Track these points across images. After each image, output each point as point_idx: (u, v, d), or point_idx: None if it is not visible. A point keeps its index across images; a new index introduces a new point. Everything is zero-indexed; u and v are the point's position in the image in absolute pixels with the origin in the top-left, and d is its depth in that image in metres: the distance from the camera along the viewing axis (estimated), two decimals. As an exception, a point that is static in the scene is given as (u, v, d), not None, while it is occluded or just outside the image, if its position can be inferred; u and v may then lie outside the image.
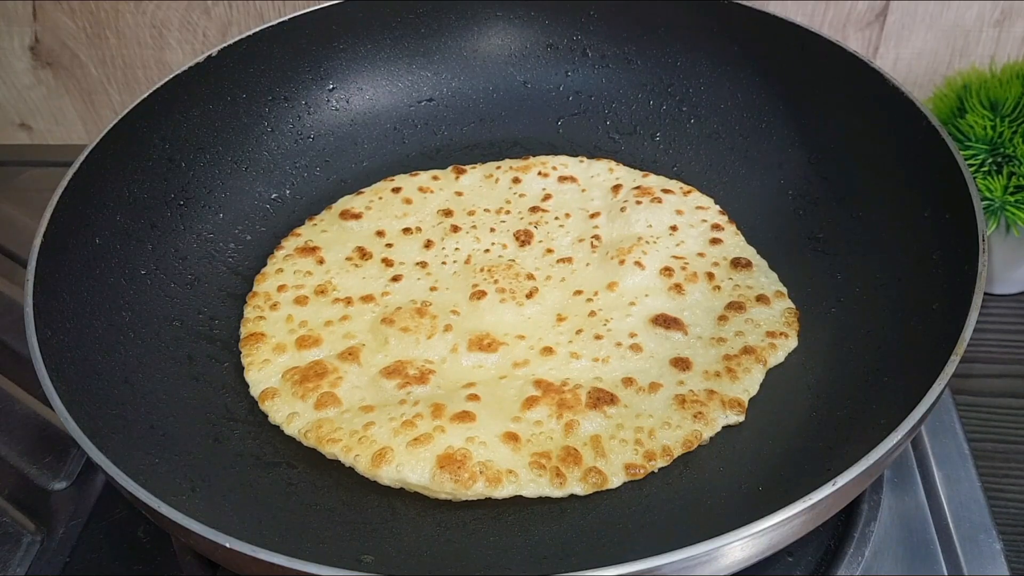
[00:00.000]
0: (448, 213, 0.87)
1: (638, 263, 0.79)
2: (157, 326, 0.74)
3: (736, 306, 0.75)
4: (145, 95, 0.80)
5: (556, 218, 0.86)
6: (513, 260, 0.81)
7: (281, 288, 0.79)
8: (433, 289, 0.79)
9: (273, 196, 0.89)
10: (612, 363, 0.71)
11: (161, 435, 0.66)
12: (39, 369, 0.59)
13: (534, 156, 0.92)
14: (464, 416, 0.66)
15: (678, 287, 0.77)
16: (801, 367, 0.71)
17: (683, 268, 0.79)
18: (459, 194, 0.89)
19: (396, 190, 0.89)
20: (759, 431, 0.67)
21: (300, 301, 0.78)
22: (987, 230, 0.67)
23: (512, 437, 0.65)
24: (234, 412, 0.71)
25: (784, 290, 0.77)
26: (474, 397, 0.68)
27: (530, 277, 0.79)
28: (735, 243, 0.82)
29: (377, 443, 0.65)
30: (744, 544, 0.48)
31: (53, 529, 0.71)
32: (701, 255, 0.81)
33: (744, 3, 0.88)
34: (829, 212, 0.81)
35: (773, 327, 0.73)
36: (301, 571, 0.47)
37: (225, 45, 0.87)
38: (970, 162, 0.84)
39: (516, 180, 0.89)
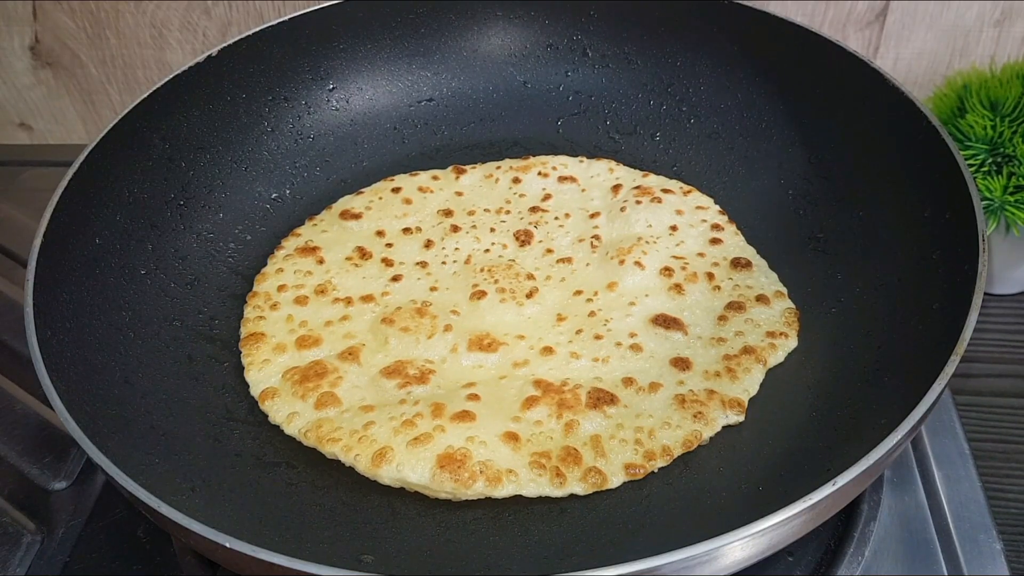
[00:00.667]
0: (448, 213, 0.87)
1: (638, 263, 0.79)
2: (157, 326, 0.74)
3: (736, 306, 0.75)
4: (145, 95, 0.80)
5: (556, 218, 0.86)
6: (513, 260, 0.81)
7: (281, 288, 0.79)
8: (433, 289, 0.79)
9: (273, 196, 0.89)
10: (612, 363, 0.71)
11: (161, 435, 0.66)
12: (39, 369, 0.59)
13: (534, 156, 0.92)
14: (464, 416, 0.66)
15: (678, 287, 0.77)
16: (801, 367, 0.71)
17: (683, 268, 0.79)
18: (459, 194, 0.89)
19: (396, 190, 0.89)
20: (759, 431, 0.67)
21: (300, 301, 0.78)
22: (987, 230, 0.67)
23: (512, 437, 0.65)
24: (234, 412, 0.71)
25: (784, 290, 0.77)
26: (474, 397, 0.68)
27: (530, 277, 0.79)
28: (735, 243, 0.82)
29: (377, 442, 0.65)
30: (744, 544, 0.48)
31: (53, 529, 0.71)
32: (701, 255, 0.81)
33: (744, 3, 0.88)
34: (829, 212, 0.81)
35: (773, 327, 0.73)
36: (301, 571, 0.47)
37: (225, 45, 0.87)
38: (970, 162, 0.84)
39: (516, 180, 0.89)
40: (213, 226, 0.85)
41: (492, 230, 0.85)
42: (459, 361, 0.72)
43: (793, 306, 0.75)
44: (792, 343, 0.73)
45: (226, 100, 0.88)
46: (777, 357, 0.72)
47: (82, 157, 0.74)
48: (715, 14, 0.90)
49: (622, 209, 0.85)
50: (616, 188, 0.88)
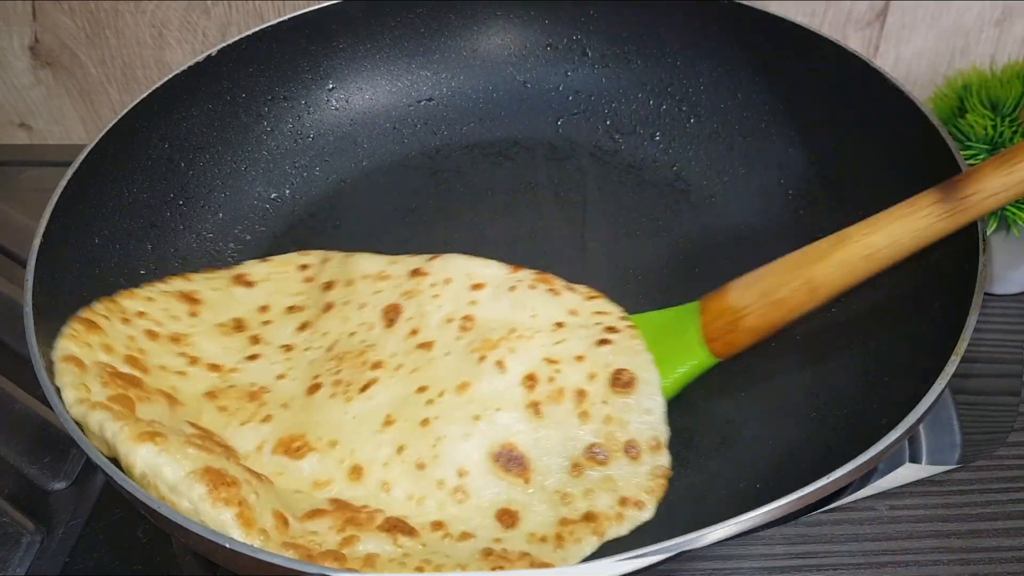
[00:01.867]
0: (329, 286, 0.76)
1: (500, 363, 0.67)
2: (157, 326, 0.74)
3: (598, 453, 0.63)
4: (145, 95, 0.80)
5: (433, 284, 0.74)
6: (372, 345, 0.71)
7: (141, 314, 0.71)
8: (281, 377, 0.70)
9: (273, 196, 0.89)
10: (427, 505, 0.61)
11: (161, 435, 0.65)
12: (39, 369, 0.59)
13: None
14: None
15: (536, 407, 0.65)
16: (801, 367, 0.71)
17: (550, 380, 0.66)
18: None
19: (303, 267, 0.80)
20: (759, 431, 0.67)
21: (151, 335, 0.70)
22: (987, 230, 0.67)
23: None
24: (234, 412, 0.70)
25: (664, 438, 0.64)
26: None
27: (376, 366, 0.69)
28: (627, 347, 0.68)
29: None
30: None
31: (53, 529, 0.71)
32: (580, 358, 0.67)
33: (744, 3, 0.88)
34: (829, 212, 0.81)
35: (630, 492, 0.61)
36: (301, 571, 0.47)
37: (225, 45, 0.86)
38: (970, 162, 0.84)
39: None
40: (213, 226, 0.85)
41: (362, 306, 0.74)
42: (261, 460, 0.63)
43: (666, 464, 0.63)
44: (646, 515, 0.60)
45: (226, 100, 0.88)
46: (619, 530, 0.60)
47: (82, 157, 0.74)
48: (715, 14, 0.89)
49: (511, 288, 0.73)
50: (517, 267, 0.76)
